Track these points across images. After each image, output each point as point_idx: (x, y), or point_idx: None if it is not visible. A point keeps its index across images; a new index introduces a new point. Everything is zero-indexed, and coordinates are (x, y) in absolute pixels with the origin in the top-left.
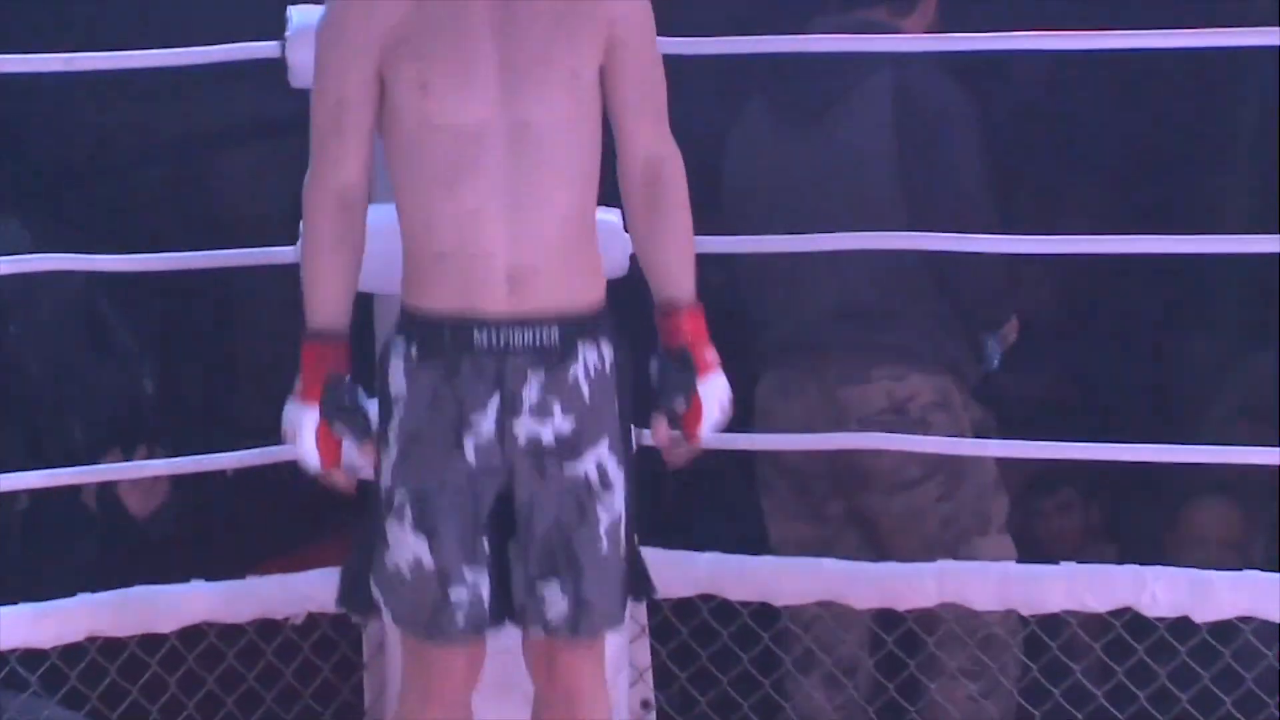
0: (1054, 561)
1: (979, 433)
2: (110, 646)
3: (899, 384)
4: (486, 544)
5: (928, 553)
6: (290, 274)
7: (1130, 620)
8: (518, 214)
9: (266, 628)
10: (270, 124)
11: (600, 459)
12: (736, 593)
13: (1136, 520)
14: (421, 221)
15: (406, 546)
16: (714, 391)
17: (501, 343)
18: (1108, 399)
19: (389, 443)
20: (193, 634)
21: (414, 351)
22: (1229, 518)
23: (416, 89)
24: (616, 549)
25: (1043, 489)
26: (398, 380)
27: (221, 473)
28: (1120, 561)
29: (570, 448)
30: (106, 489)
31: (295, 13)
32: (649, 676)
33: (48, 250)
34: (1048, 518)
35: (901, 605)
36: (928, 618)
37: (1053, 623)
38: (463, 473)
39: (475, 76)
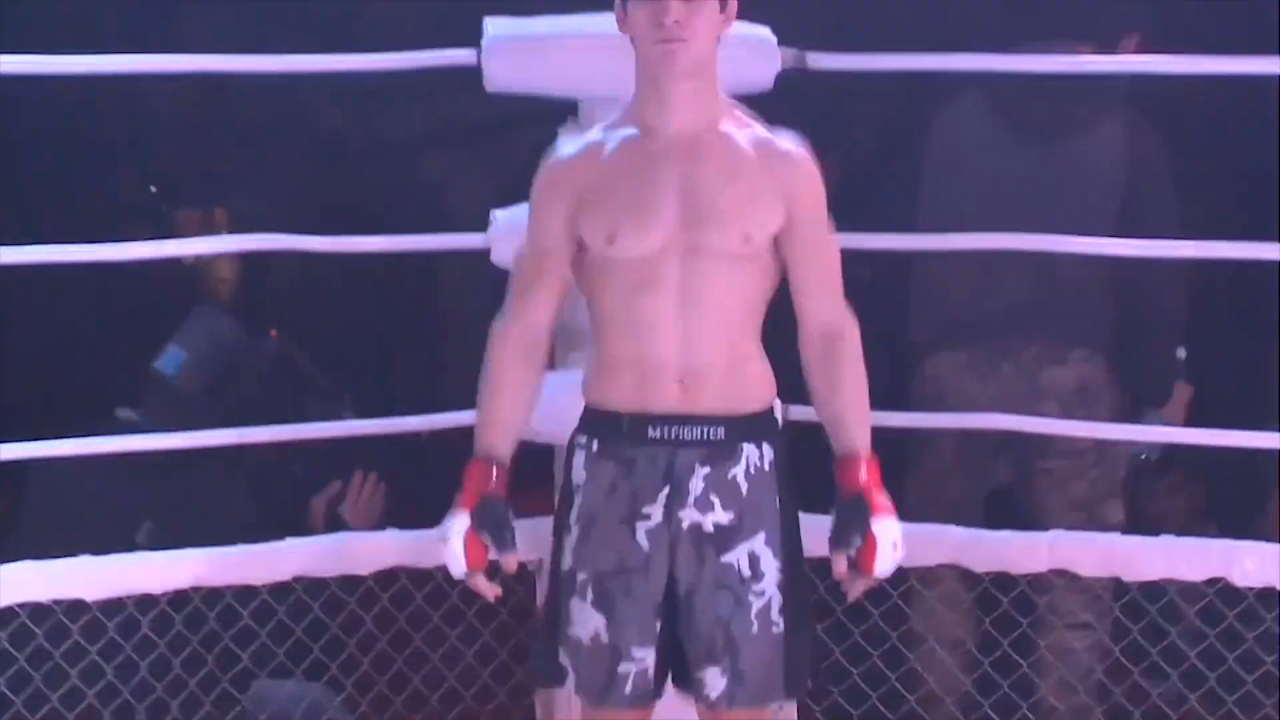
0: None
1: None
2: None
3: (1087, 365)
4: (658, 624)
5: (1074, 510)
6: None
7: (1222, 589)
8: (690, 326)
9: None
10: (467, 125)
11: (753, 550)
12: None
13: (1232, 500)
14: (603, 329)
15: (587, 622)
16: (888, 532)
17: (670, 436)
18: (1220, 390)
19: (569, 527)
20: (388, 577)
21: (595, 446)
22: None
23: (604, 240)
24: (767, 630)
25: (1155, 472)
26: (579, 470)
27: (429, 486)
28: (1217, 536)
29: (726, 538)
30: (332, 510)
31: (490, 24)
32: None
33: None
34: (1158, 498)
35: (1016, 570)
36: (1037, 583)
37: (1154, 590)
38: (637, 555)
39: (658, 221)
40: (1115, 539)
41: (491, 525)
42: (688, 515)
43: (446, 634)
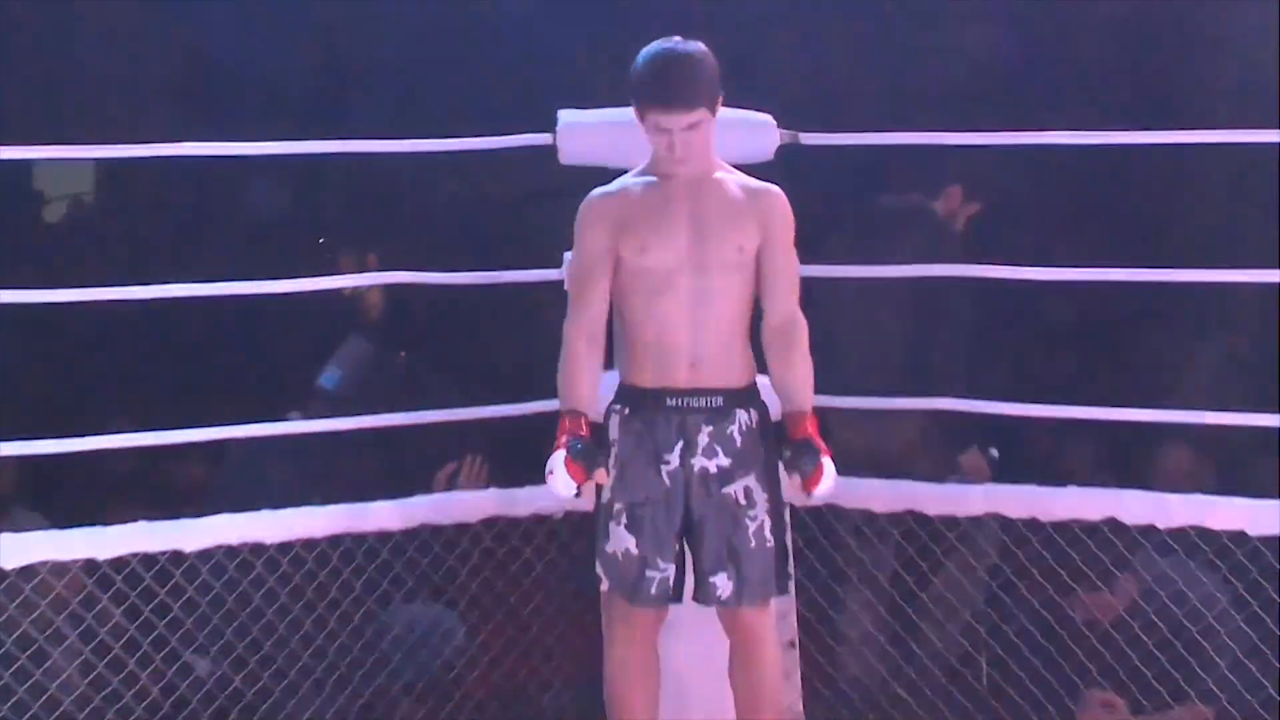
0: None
1: None
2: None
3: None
4: (677, 546)
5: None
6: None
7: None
8: (697, 321)
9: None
10: (544, 189)
11: (747, 485)
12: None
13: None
14: (634, 327)
15: (621, 540)
16: (829, 466)
17: (683, 405)
18: None
19: (609, 469)
20: (490, 524)
21: (626, 412)
22: (1187, 457)
23: (637, 252)
24: (762, 544)
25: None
26: (614, 430)
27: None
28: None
29: (726, 477)
30: (451, 483)
31: (562, 114)
32: (792, 619)
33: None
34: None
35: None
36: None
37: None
38: (660, 490)
39: (675, 241)
40: (1034, 489)
41: (583, 455)
42: (697, 462)
43: (533, 564)
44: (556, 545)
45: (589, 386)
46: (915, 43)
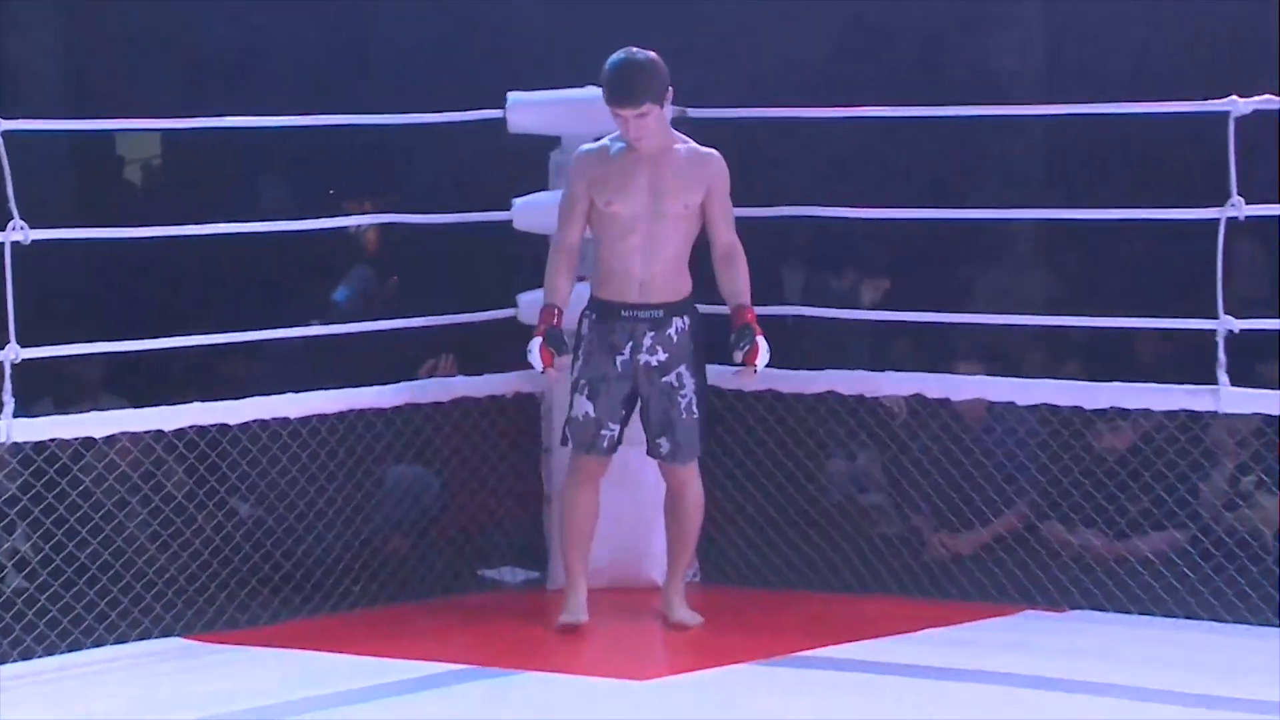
0: None
1: None
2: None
3: None
4: (624, 412)
5: None
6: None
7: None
8: (648, 256)
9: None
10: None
11: (679, 372)
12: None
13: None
14: (604, 256)
15: (582, 406)
16: (764, 345)
17: (633, 315)
18: None
19: (578, 356)
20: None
21: (593, 317)
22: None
23: (605, 204)
24: (691, 418)
25: None
26: (585, 328)
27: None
28: None
29: (664, 368)
30: (430, 373)
31: (511, 96)
32: None
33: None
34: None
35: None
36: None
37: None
38: (613, 375)
39: (635, 198)
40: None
41: (555, 341)
42: (643, 358)
43: (489, 433)
44: (505, 419)
45: (565, 288)
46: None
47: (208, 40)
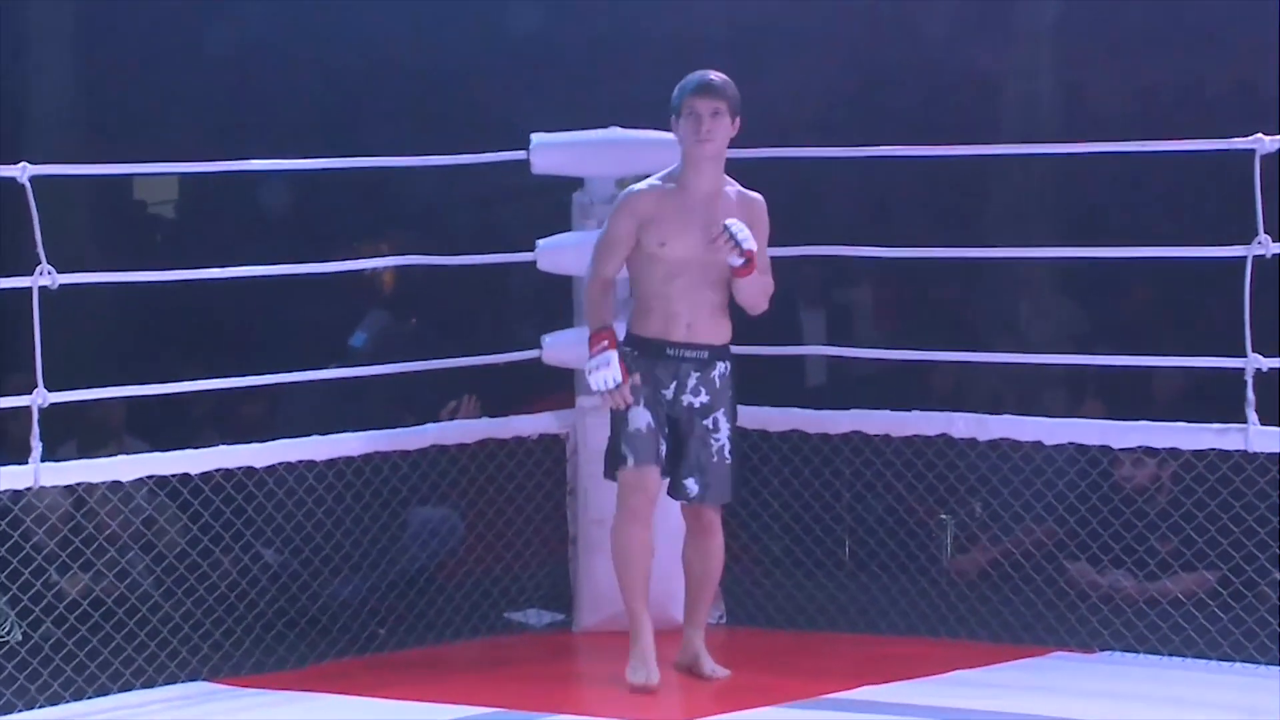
0: None
1: None
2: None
3: None
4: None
5: None
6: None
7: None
8: (695, 298)
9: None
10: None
11: (717, 417)
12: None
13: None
14: (646, 295)
15: (640, 417)
16: (734, 226)
17: (679, 354)
18: None
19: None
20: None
21: (634, 352)
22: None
23: (658, 245)
24: (724, 463)
25: None
26: (630, 363)
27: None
28: None
29: (705, 410)
30: (453, 415)
31: (535, 138)
32: None
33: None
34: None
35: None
36: None
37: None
38: (660, 406)
39: (689, 240)
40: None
41: (626, 357)
42: (686, 398)
43: (515, 474)
44: (533, 460)
45: (610, 317)
46: None
47: (219, 83)
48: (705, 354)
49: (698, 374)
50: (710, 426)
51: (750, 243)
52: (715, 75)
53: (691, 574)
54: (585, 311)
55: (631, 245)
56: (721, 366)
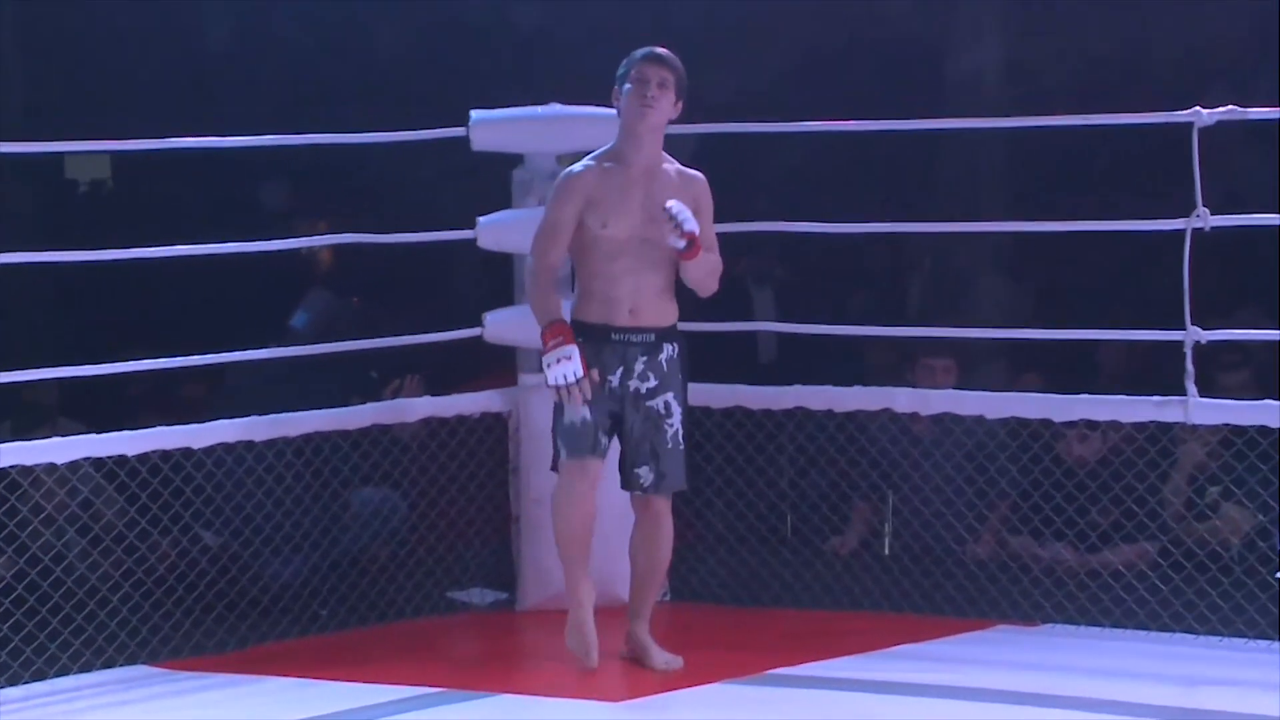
0: None
1: None
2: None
3: None
4: (609, 428)
5: None
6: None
7: None
8: (638, 278)
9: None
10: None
11: (666, 400)
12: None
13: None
14: (588, 278)
15: (578, 413)
16: (675, 207)
17: (624, 339)
18: None
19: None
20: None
21: (579, 339)
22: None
23: (600, 225)
24: (677, 448)
25: None
26: None
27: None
28: None
29: (652, 394)
30: (396, 394)
31: (474, 114)
32: None
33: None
34: None
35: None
36: None
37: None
38: (601, 395)
39: (630, 219)
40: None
41: (584, 350)
42: (633, 383)
43: (457, 453)
44: (475, 439)
45: (559, 307)
46: None
47: (161, 59)
48: (651, 336)
49: (645, 358)
50: (662, 410)
51: (692, 224)
52: (664, 50)
53: (638, 565)
54: (531, 302)
55: (573, 229)
56: (669, 348)
